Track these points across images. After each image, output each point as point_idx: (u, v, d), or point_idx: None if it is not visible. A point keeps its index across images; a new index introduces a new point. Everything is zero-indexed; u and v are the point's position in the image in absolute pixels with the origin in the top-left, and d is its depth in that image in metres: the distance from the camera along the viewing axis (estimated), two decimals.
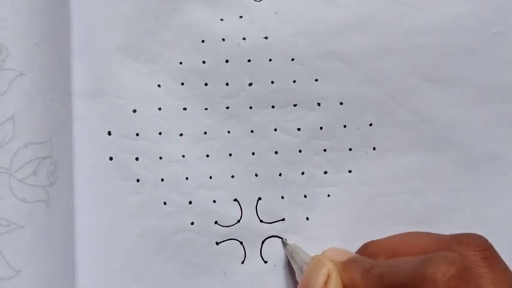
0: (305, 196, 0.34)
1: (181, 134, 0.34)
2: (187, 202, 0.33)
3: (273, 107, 0.34)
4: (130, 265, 0.33)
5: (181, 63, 0.34)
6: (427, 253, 0.26)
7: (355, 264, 0.29)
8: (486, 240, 0.27)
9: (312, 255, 0.32)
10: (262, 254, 0.34)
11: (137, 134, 0.33)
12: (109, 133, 0.33)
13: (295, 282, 0.33)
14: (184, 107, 0.34)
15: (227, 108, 0.34)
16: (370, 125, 0.34)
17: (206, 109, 0.34)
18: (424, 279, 0.24)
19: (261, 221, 0.34)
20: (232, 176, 0.34)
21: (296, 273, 0.32)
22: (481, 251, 0.27)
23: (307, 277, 0.29)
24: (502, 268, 0.27)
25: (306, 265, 0.31)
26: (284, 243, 0.34)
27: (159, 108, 0.33)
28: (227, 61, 0.34)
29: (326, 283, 0.28)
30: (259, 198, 0.34)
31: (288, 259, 0.33)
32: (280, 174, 0.34)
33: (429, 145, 0.35)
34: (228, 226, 0.34)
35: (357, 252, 0.33)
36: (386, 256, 0.30)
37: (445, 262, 0.24)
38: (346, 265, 0.29)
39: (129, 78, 0.33)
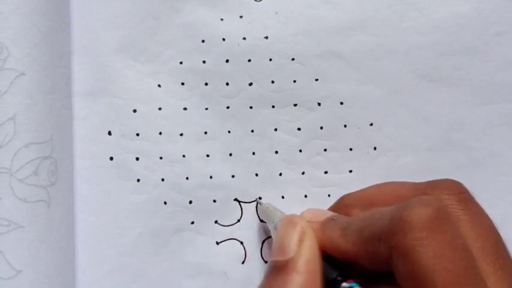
0: (305, 196, 0.34)
1: (181, 134, 0.34)
2: (188, 202, 0.33)
3: (273, 106, 0.34)
4: (131, 265, 0.33)
5: (181, 63, 0.34)
6: (403, 201, 0.25)
7: (333, 223, 0.28)
8: (461, 184, 0.27)
9: (286, 213, 0.31)
10: (263, 254, 0.34)
11: (137, 134, 0.33)
12: (109, 133, 0.33)
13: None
14: (185, 107, 0.34)
15: (227, 108, 0.34)
16: (371, 124, 0.34)
17: (206, 109, 0.34)
18: (401, 224, 0.23)
19: (262, 220, 0.34)
20: (233, 176, 0.34)
21: (271, 232, 0.31)
22: (456, 194, 0.26)
23: (281, 236, 0.28)
24: (478, 211, 0.26)
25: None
26: (258, 202, 0.33)
27: (159, 108, 0.33)
28: (227, 61, 0.34)
29: (301, 241, 0.27)
30: (260, 198, 0.34)
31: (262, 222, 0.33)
32: (280, 174, 0.34)
33: (429, 145, 0.35)
34: (228, 226, 0.34)
35: (332, 207, 0.32)
36: (362, 207, 0.30)
37: (421, 205, 0.23)
38: (325, 225, 0.28)
39: (129, 78, 0.33)
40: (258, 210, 0.33)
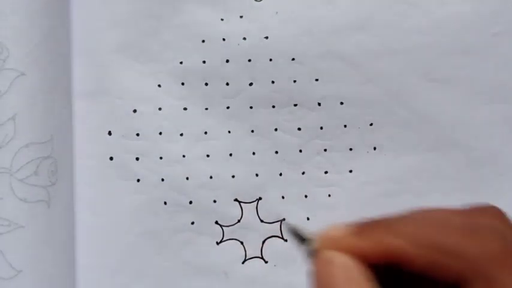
0: (305, 196, 0.34)
1: (181, 134, 0.34)
2: (188, 202, 0.33)
3: (273, 106, 0.34)
4: (131, 265, 0.33)
5: (181, 63, 0.34)
6: None
7: (375, 225, 0.22)
8: None
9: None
10: (263, 254, 0.34)
11: (137, 134, 0.33)
12: (109, 133, 0.33)
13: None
14: (185, 107, 0.34)
15: (227, 108, 0.34)
16: (371, 124, 0.34)
17: (206, 109, 0.34)
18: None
19: (262, 220, 0.34)
20: (233, 176, 0.34)
21: (307, 254, 0.28)
22: None
23: (323, 280, 0.21)
24: None
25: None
26: (287, 224, 0.31)
27: (159, 108, 0.33)
28: (227, 61, 0.34)
29: (349, 279, 0.20)
30: (260, 198, 0.34)
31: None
32: (280, 174, 0.34)
33: (429, 145, 0.35)
34: (228, 226, 0.34)
35: None
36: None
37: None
38: (363, 232, 0.22)
39: (129, 78, 0.33)
40: (287, 230, 0.31)
